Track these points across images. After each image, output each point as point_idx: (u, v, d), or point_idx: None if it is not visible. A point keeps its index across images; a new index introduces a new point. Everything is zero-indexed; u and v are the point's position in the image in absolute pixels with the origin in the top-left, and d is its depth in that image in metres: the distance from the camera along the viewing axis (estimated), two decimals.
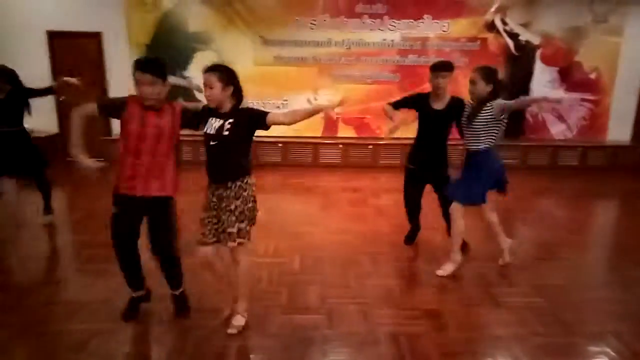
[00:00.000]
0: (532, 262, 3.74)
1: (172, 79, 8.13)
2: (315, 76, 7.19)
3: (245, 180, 2.49)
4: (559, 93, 7.40)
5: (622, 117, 7.59)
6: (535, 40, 7.23)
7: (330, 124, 7.31)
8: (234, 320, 2.63)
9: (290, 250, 3.79)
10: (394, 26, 7.05)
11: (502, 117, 3.15)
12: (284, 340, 2.57)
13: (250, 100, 7.29)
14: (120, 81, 7.08)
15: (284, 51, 7.08)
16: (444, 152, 3.63)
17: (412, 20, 7.04)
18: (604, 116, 7.58)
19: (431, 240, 4.14)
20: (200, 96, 7.18)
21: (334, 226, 4.50)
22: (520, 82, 7.34)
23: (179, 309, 2.78)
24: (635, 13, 7.15)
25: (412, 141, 3.79)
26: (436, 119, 3.51)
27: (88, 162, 2.46)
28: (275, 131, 7.70)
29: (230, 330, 2.58)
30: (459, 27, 7.09)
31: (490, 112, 3.13)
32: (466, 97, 3.38)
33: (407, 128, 7.83)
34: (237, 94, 2.46)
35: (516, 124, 7.51)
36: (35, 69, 6.90)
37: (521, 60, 7.28)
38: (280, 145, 7.10)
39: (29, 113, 4.25)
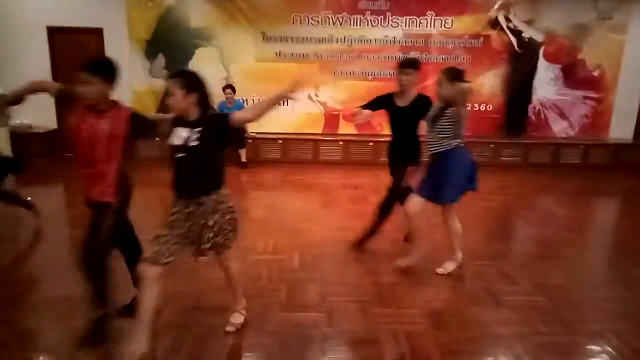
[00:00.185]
0: (534, 261, 3.72)
1: None
2: (317, 73, 7.15)
3: (220, 192, 2.34)
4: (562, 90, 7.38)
5: (625, 115, 7.55)
6: (539, 37, 7.18)
7: (331, 121, 7.29)
8: (232, 318, 2.61)
9: (289, 248, 3.77)
10: (397, 23, 7.01)
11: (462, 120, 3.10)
12: (283, 338, 2.55)
13: (252, 97, 7.31)
14: (121, 78, 7.07)
15: (286, 47, 7.05)
16: (415, 148, 3.58)
17: (414, 17, 7.00)
18: (606, 114, 7.54)
19: (432, 238, 4.11)
20: None
21: (334, 223, 4.48)
22: (523, 79, 7.30)
23: (85, 339, 2.40)
24: (639, 10, 7.09)
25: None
26: (400, 116, 3.52)
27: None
28: (275, 127, 7.65)
29: (228, 328, 2.56)
30: (462, 24, 7.05)
31: (452, 116, 3.06)
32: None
33: None
34: (203, 102, 2.28)
35: (518, 121, 7.48)
36: (35, 65, 6.89)
37: (524, 57, 7.23)
38: (280, 142, 7.08)
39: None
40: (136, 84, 7.10)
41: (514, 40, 7.17)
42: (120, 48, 6.93)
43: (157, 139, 2.47)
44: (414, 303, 2.96)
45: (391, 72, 7.17)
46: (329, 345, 2.50)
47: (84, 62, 2.31)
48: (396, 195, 3.58)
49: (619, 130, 7.56)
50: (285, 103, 7.24)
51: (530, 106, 7.44)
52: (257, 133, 7.05)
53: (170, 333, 2.56)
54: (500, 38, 7.16)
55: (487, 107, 7.37)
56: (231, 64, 7.09)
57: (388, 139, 3.76)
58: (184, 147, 2.23)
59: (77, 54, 7.06)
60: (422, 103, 3.38)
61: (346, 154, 7.12)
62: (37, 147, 6.91)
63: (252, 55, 7.08)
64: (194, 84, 2.26)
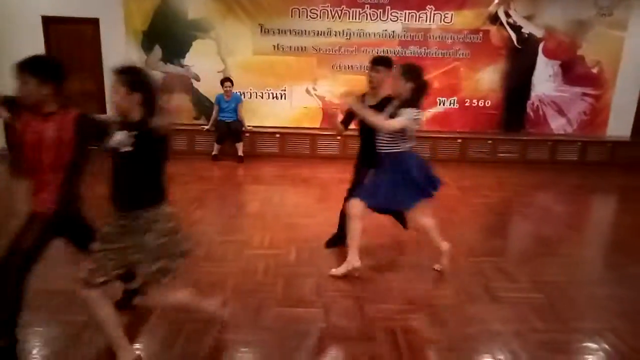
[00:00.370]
0: (531, 257, 3.70)
1: (170, 68, 8.03)
2: (315, 66, 7.10)
3: (158, 209, 2.06)
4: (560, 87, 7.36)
5: (623, 113, 7.53)
6: (539, 33, 7.14)
7: (329, 115, 7.23)
8: None
9: (286, 242, 3.74)
10: (396, 17, 6.95)
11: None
12: (279, 333, 2.52)
13: (250, 90, 7.26)
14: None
15: (284, 40, 6.98)
16: None
17: (414, 11, 6.94)
18: (604, 111, 7.52)
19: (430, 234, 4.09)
20: (198, 85, 7.16)
21: (331, 218, 4.42)
22: (522, 75, 7.27)
23: None
24: (639, 7, 7.06)
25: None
26: None
27: None
28: (273, 121, 7.58)
29: None
30: (462, 18, 6.99)
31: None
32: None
33: None
34: (148, 103, 2.00)
35: (517, 117, 7.46)
36: (29, 55, 6.81)
37: (523, 53, 7.20)
38: (278, 136, 7.03)
39: None
40: None
41: (513, 35, 7.12)
42: (117, 39, 6.86)
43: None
44: (410, 299, 2.95)
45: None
46: (325, 342, 2.48)
47: (22, 61, 2.11)
48: None
49: (617, 128, 7.55)
50: (283, 97, 7.21)
51: (529, 102, 7.41)
52: (254, 127, 7.00)
53: (164, 328, 2.53)
54: (499, 33, 7.11)
55: (486, 103, 7.34)
56: (228, 56, 7.02)
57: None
58: (117, 152, 1.98)
59: (73, 44, 7.00)
60: (390, 102, 3.16)
61: (344, 148, 7.07)
62: None
63: (250, 48, 7.01)
64: (139, 82, 2.00)
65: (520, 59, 7.21)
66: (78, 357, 2.31)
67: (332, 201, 5.10)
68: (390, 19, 6.96)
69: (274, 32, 6.96)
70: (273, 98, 7.18)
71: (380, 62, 3.26)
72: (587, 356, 2.49)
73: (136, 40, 6.90)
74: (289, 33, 6.96)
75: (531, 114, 7.47)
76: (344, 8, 6.89)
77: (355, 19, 6.94)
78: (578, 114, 7.50)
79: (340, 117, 3.49)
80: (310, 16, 6.91)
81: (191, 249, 2.27)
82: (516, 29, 7.10)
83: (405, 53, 7.08)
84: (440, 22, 7.00)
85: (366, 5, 6.90)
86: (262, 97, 7.20)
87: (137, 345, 2.38)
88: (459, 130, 7.35)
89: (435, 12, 6.95)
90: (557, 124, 7.53)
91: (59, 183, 2.20)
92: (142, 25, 6.86)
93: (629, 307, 2.95)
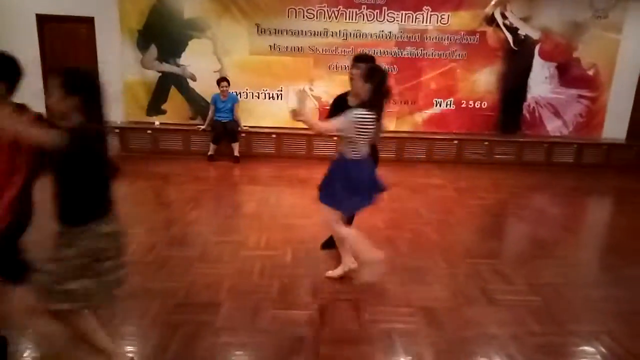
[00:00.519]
0: (528, 260, 3.70)
1: (165, 67, 7.98)
2: (311, 66, 7.08)
3: (88, 227, 1.85)
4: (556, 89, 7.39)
5: (619, 115, 7.56)
6: (535, 35, 7.15)
7: (325, 116, 7.21)
8: None
9: (282, 243, 3.72)
10: (393, 17, 6.95)
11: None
12: (275, 336, 2.50)
13: (246, 90, 7.22)
14: (112, 68, 6.94)
15: (280, 40, 6.96)
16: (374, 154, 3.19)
17: (411, 12, 6.94)
18: (600, 113, 7.54)
19: (426, 235, 4.08)
20: (194, 85, 7.13)
21: None
22: (518, 77, 7.28)
23: None
24: (634, 9, 7.09)
25: (407, 134, 3.69)
26: None
27: None
28: (269, 122, 7.54)
29: None
30: (459, 20, 7.00)
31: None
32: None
33: (403, 121, 7.78)
34: (87, 108, 1.82)
35: (513, 119, 7.48)
36: (24, 54, 6.72)
37: (520, 55, 7.21)
38: (274, 136, 7.00)
39: None
40: (127, 75, 6.98)
41: (509, 37, 7.13)
42: (112, 38, 6.81)
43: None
44: (407, 301, 2.93)
45: (386, 66, 7.15)
46: (321, 344, 2.45)
47: None
48: None
49: (612, 130, 7.58)
50: (280, 97, 7.18)
51: (525, 104, 7.42)
52: (250, 127, 6.97)
53: (157, 331, 2.50)
54: (496, 35, 7.12)
55: (482, 105, 7.35)
56: (225, 56, 6.99)
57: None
58: (52, 158, 1.80)
59: (68, 43, 6.95)
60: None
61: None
62: None
63: (246, 47, 6.98)
64: (76, 85, 1.81)
65: (516, 61, 7.23)
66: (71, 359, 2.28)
67: None
68: (387, 19, 6.95)
69: (270, 32, 6.93)
70: (269, 98, 7.15)
71: (362, 60, 3.11)
72: (583, 359, 2.49)
73: (132, 40, 6.86)
74: (285, 33, 6.94)
75: (527, 115, 7.48)
76: (341, 8, 6.88)
77: (352, 19, 6.93)
78: (574, 116, 7.53)
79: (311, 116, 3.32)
80: (306, 16, 6.89)
81: (121, 281, 2.00)
82: (512, 30, 7.11)
83: (401, 54, 7.08)
84: (437, 23, 7.00)
85: (363, 6, 6.88)
86: (258, 97, 7.17)
87: (130, 349, 2.35)
88: (455, 132, 7.35)
89: (432, 13, 6.95)
90: (553, 126, 7.55)
91: (13, 193, 2.04)
92: (138, 24, 6.81)
93: (625, 309, 2.95)
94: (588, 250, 4.22)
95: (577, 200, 5.82)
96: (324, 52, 7.02)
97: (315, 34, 6.95)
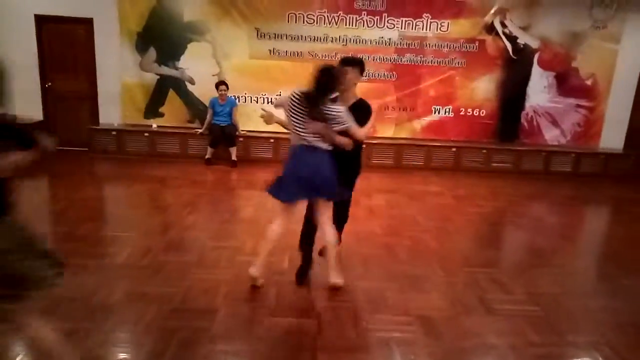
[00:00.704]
0: (526, 269, 3.68)
1: (164, 70, 7.95)
2: (310, 71, 7.06)
3: None
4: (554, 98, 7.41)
5: (616, 125, 7.58)
6: (534, 44, 7.18)
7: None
8: None
9: (279, 249, 3.66)
10: (393, 24, 6.96)
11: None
12: (272, 344, 2.47)
13: (244, 94, 7.20)
14: (110, 70, 6.92)
15: (280, 45, 6.95)
16: (351, 159, 3.13)
17: (411, 19, 6.96)
18: (598, 123, 7.57)
19: (424, 243, 4.06)
20: (192, 88, 7.11)
21: None
22: (517, 86, 7.30)
23: None
24: (633, 20, 7.13)
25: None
26: None
27: None
28: (267, 126, 7.51)
29: None
30: (458, 27, 7.02)
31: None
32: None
33: (402, 128, 7.76)
34: None
35: (511, 128, 7.49)
36: (22, 55, 6.70)
37: (519, 63, 7.23)
38: (272, 141, 6.98)
39: None
40: (126, 77, 6.95)
41: (509, 46, 7.16)
42: (111, 40, 6.78)
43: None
44: (405, 310, 2.90)
45: (386, 73, 7.16)
46: (318, 353, 2.42)
47: None
48: (342, 209, 3.35)
49: (610, 140, 7.60)
50: None
51: (524, 113, 7.44)
52: (248, 131, 6.95)
53: (152, 337, 2.46)
54: (495, 43, 7.14)
55: (481, 113, 7.35)
56: (224, 60, 6.97)
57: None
58: None
59: (66, 44, 6.92)
60: (359, 108, 2.99)
61: None
62: None
63: (246, 51, 6.97)
64: None
65: (515, 69, 7.25)
66: None
67: None
68: (387, 26, 6.96)
69: (270, 37, 6.93)
70: (268, 103, 7.13)
71: (349, 63, 3.06)
72: None
73: (130, 42, 6.83)
74: (285, 38, 6.93)
75: (525, 124, 7.49)
76: (341, 14, 6.88)
77: (352, 25, 6.93)
78: (572, 125, 7.55)
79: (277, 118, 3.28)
80: (306, 21, 6.89)
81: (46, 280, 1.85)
82: (512, 39, 7.14)
83: (401, 61, 7.09)
84: (437, 30, 7.01)
85: (363, 12, 6.89)
86: (257, 102, 7.15)
87: (124, 356, 2.31)
88: (454, 139, 7.35)
89: (432, 20, 6.97)
90: (551, 135, 7.57)
91: None
92: (137, 27, 6.79)
93: (623, 320, 2.94)
94: (586, 259, 4.20)
95: (574, 209, 5.82)
96: (324, 58, 7.01)
97: (315, 39, 6.95)
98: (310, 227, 3.22)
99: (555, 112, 7.46)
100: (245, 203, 5.22)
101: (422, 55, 7.09)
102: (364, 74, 3.26)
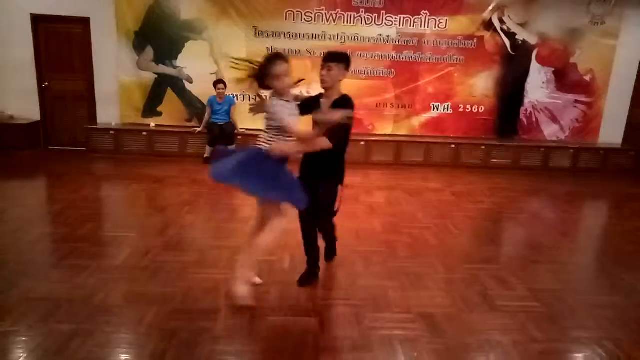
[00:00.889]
0: (527, 265, 3.67)
1: (161, 68, 7.93)
2: (309, 69, 7.04)
3: None
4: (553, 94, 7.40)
5: (615, 120, 7.59)
6: (532, 40, 7.17)
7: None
8: None
9: (280, 248, 3.66)
10: (391, 21, 6.94)
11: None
12: (274, 343, 2.45)
13: (243, 92, 7.17)
14: (108, 70, 6.88)
15: (278, 43, 6.92)
16: (331, 159, 2.94)
17: (409, 16, 6.94)
18: (597, 119, 7.57)
19: (424, 240, 4.05)
20: (190, 87, 7.08)
21: None
22: (515, 82, 7.30)
23: None
24: (631, 16, 7.13)
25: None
26: None
27: None
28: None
29: None
30: (457, 24, 7.00)
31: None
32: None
33: (401, 125, 7.75)
34: None
35: (510, 124, 7.48)
36: (18, 54, 6.67)
37: (517, 60, 7.22)
38: None
39: None
40: (124, 76, 6.92)
41: (507, 42, 7.15)
42: (108, 39, 6.75)
43: None
44: (407, 307, 2.89)
45: (384, 70, 7.14)
46: (320, 352, 2.40)
47: None
48: (326, 214, 3.11)
49: (609, 135, 7.61)
50: None
51: (522, 109, 7.44)
52: (247, 130, 6.92)
53: (154, 338, 2.44)
54: (493, 40, 7.13)
55: (479, 109, 7.35)
56: (222, 58, 6.95)
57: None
58: None
59: (63, 44, 6.88)
60: (342, 104, 2.78)
61: None
62: (18, 138, 6.69)
63: (244, 50, 6.94)
64: None
65: (513, 66, 7.24)
66: None
67: None
68: (385, 23, 6.94)
69: (268, 35, 6.90)
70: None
71: (332, 58, 2.88)
72: None
73: (128, 41, 6.80)
74: (283, 36, 6.91)
75: (524, 120, 7.49)
76: (339, 12, 6.86)
77: (350, 23, 6.91)
78: (571, 121, 7.55)
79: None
80: (304, 19, 6.87)
81: None
82: (510, 35, 7.13)
83: (399, 58, 7.07)
84: (435, 27, 7.00)
85: (361, 10, 6.87)
86: (255, 100, 7.12)
87: (126, 357, 2.30)
88: (453, 136, 7.34)
89: (430, 17, 6.95)
90: (550, 131, 7.57)
91: None
92: (134, 26, 6.76)
93: (625, 315, 2.93)
94: (586, 255, 4.20)
95: (574, 204, 5.82)
96: (322, 56, 6.97)
97: (313, 37, 6.93)
98: (307, 226, 3.16)
99: (554, 108, 7.46)
100: (245, 202, 5.19)
101: (420, 52, 7.08)
102: (351, 70, 3.08)
